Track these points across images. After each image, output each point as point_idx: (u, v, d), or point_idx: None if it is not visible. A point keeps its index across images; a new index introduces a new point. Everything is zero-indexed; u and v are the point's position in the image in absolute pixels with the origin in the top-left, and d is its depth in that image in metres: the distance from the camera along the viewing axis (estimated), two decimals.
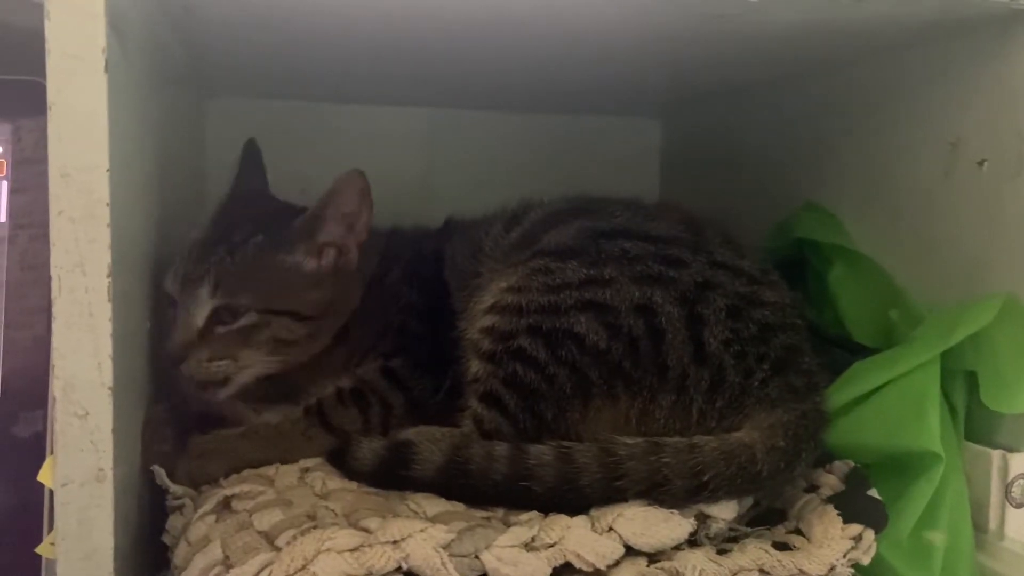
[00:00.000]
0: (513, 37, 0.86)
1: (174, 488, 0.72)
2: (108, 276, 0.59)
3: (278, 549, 0.62)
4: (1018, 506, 0.74)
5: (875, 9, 0.75)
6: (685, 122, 1.36)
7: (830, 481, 0.73)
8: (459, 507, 0.69)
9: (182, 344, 0.79)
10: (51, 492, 0.62)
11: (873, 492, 0.71)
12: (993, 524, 0.75)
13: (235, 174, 0.87)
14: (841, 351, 0.86)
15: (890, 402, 0.75)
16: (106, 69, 0.58)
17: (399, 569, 0.60)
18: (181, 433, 0.79)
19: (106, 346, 0.59)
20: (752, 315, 0.75)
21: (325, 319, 0.86)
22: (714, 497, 0.67)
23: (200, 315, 0.80)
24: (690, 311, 0.74)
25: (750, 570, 0.65)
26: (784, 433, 0.70)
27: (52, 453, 0.61)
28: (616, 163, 1.35)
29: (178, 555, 0.66)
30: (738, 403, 0.72)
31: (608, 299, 0.75)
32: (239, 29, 0.83)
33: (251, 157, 0.96)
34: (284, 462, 0.78)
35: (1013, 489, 0.74)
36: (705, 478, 0.66)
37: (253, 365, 0.82)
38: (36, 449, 0.78)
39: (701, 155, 1.31)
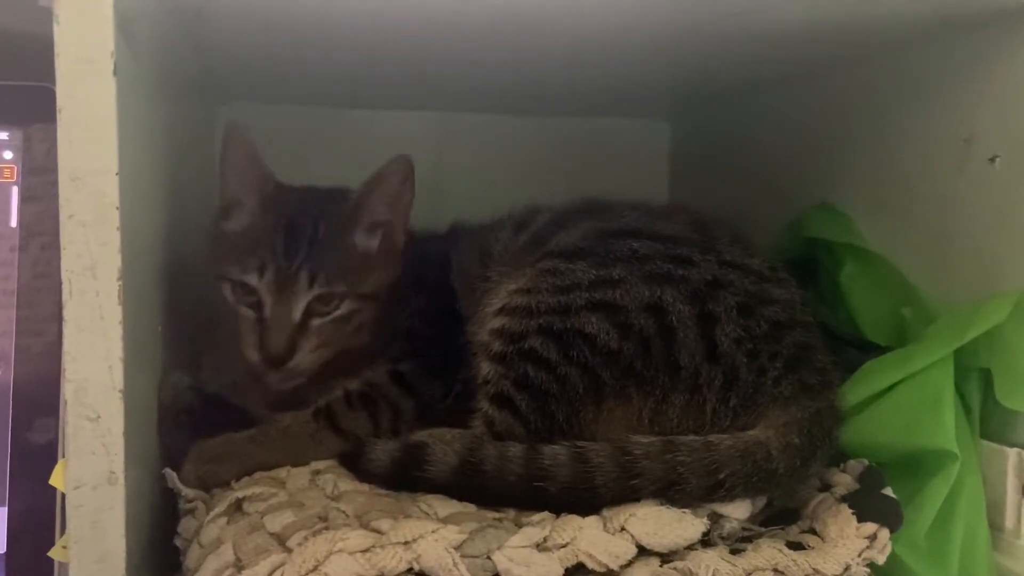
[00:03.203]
0: (522, 40, 0.86)
1: (186, 491, 0.72)
2: (119, 279, 0.58)
3: (290, 550, 0.62)
4: None
5: (886, 6, 0.74)
6: (695, 123, 1.35)
7: (844, 480, 0.73)
8: (471, 508, 0.69)
9: (286, 340, 0.80)
10: (63, 496, 0.62)
11: (888, 491, 0.70)
12: (1010, 523, 0.74)
13: (264, 162, 0.88)
14: (854, 350, 0.86)
15: (904, 400, 0.74)
16: (115, 72, 0.58)
17: (411, 570, 0.60)
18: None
19: (117, 349, 0.59)
20: (763, 313, 0.74)
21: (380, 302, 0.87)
22: (730, 496, 0.67)
23: (297, 309, 0.81)
24: (701, 309, 0.73)
25: (764, 570, 0.64)
26: (799, 431, 0.70)
27: (64, 457, 0.61)
28: (626, 165, 1.35)
29: (190, 557, 0.66)
30: (752, 401, 0.72)
31: (618, 299, 0.74)
32: (250, 34, 0.84)
33: None
34: (294, 464, 0.78)
35: None
36: (721, 476, 0.66)
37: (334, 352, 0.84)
38: (49, 455, 0.78)
39: (711, 156, 1.31)
